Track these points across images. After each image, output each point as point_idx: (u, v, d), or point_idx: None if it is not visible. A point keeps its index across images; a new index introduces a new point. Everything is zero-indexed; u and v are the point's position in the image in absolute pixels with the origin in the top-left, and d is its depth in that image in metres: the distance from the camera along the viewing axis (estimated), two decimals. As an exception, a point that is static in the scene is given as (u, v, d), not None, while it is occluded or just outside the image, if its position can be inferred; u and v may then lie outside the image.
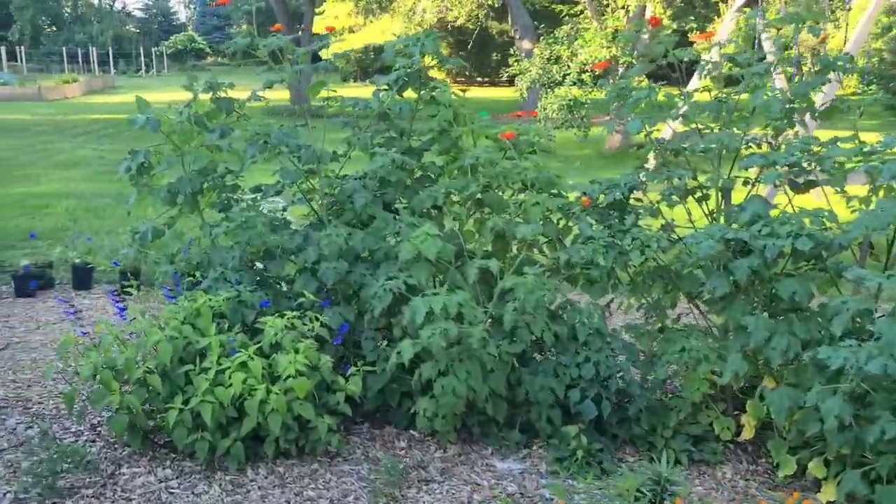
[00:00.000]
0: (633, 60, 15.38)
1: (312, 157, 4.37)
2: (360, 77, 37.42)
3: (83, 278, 6.74)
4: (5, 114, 21.98)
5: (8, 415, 4.24)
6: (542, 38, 15.77)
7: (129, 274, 6.51)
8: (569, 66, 14.97)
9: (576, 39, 15.17)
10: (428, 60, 4.76)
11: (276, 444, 3.75)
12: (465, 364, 3.80)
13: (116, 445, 3.92)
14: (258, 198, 4.66)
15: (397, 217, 4.26)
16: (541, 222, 4.15)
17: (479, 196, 4.42)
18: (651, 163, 4.81)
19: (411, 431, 4.23)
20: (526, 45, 17.58)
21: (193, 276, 4.35)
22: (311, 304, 4.04)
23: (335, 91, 4.68)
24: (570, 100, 15.10)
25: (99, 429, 4.10)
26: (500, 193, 4.42)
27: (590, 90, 14.99)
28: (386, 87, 4.68)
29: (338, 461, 3.90)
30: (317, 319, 3.91)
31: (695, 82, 6.14)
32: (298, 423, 3.74)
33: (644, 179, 4.31)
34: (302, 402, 3.68)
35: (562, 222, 4.40)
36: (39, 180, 12.07)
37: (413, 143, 4.71)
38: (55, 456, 3.49)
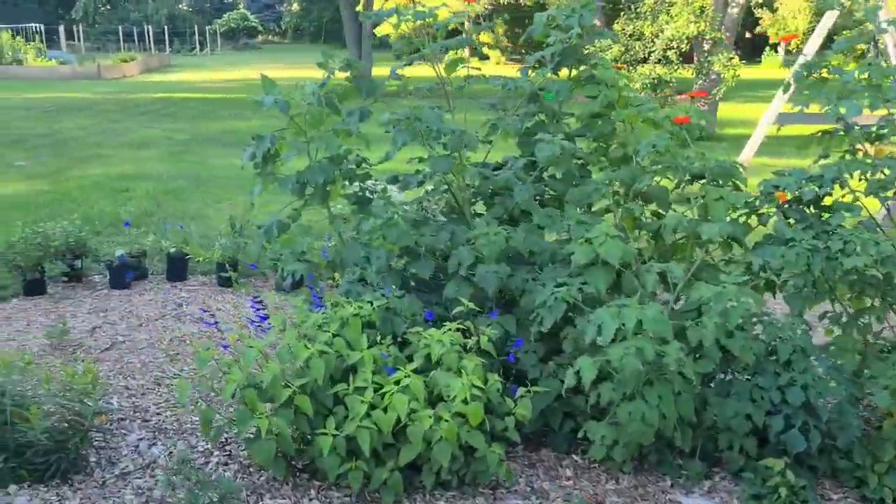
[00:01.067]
0: (722, 36, 14.60)
1: (459, 143, 3.87)
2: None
3: (178, 269, 6.35)
4: (68, 92, 21.89)
5: (128, 429, 3.84)
6: (622, 13, 15.03)
7: (226, 265, 6.15)
8: (653, 43, 14.21)
9: (659, 15, 14.40)
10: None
11: (436, 475, 3.28)
12: (655, 387, 3.28)
13: (251, 468, 3.50)
14: (390, 189, 4.19)
15: (561, 213, 3.74)
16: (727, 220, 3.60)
17: (644, 189, 3.90)
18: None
19: (573, 456, 3.74)
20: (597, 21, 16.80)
21: (333, 278, 3.90)
22: (469, 313, 3.55)
23: (479, 69, 4.18)
24: (653, 78, 14.35)
25: (229, 448, 3.68)
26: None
27: (675, 68, 14.22)
28: (536, 65, 4.16)
29: (501, 492, 3.42)
30: (469, 331, 3.43)
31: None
32: (464, 451, 3.27)
33: (844, 172, 3.72)
34: (470, 430, 3.20)
35: (743, 219, 3.85)
36: (113, 161, 11.79)
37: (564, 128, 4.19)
38: (197, 491, 3.06)
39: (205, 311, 4.23)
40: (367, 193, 4.11)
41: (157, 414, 4.03)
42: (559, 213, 3.82)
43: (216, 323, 3.78)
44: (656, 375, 3.30)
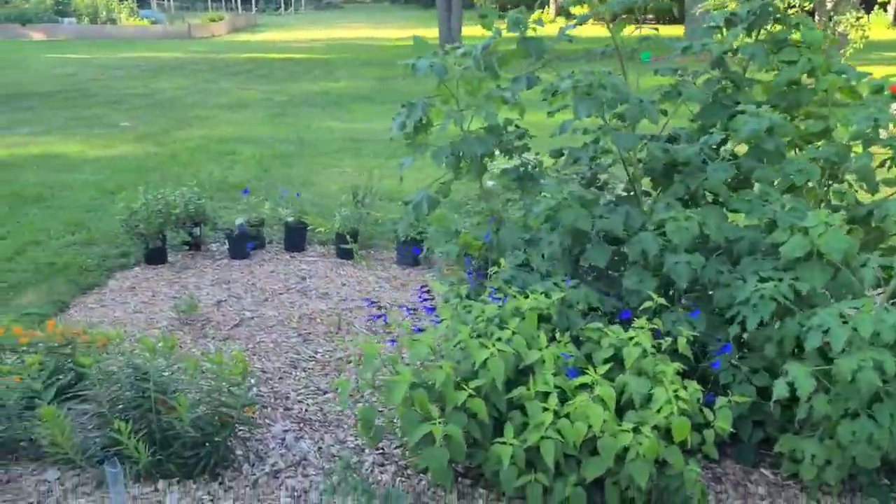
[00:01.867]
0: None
1: (639, 114, 3.43)
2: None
3: (296, 239, 6.10)
4: (161, 52, 22.03)
5: (271, 418, 3.59)
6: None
7: (347, 237, 5.87)
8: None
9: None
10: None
11: (620, 492, 2.92)
12: (887, 404, 2.82)
13: (408, 471, 3.19)
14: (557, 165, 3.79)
15: (764, 196, 3.27)
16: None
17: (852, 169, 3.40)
18: None
19: (761, 470, 3.32)
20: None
21: (488, 263, 3.53)
22: (657, 309, 3.14)
23: (656, 29, 3.71)
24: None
25: (381, 445, 3.38)
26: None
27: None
28: (722, 26, 3.67)
29: (691, 512, 3.03)
30: (658, 330, 3.02)
31: None
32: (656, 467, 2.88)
33: None
34: (668, 445, 2.81)
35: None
36: (212, 123, 11.67)
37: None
38: (362, 498, 2.77)
39: (370, 303, 3.93)
40: (530, 168, 3.71)
41: (299, 402, 3.76)
42: (755, 195, 3.35)
43: (383, 315, 3.45)
44: (884, 391, 2.84)
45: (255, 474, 3.16)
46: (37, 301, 4.91)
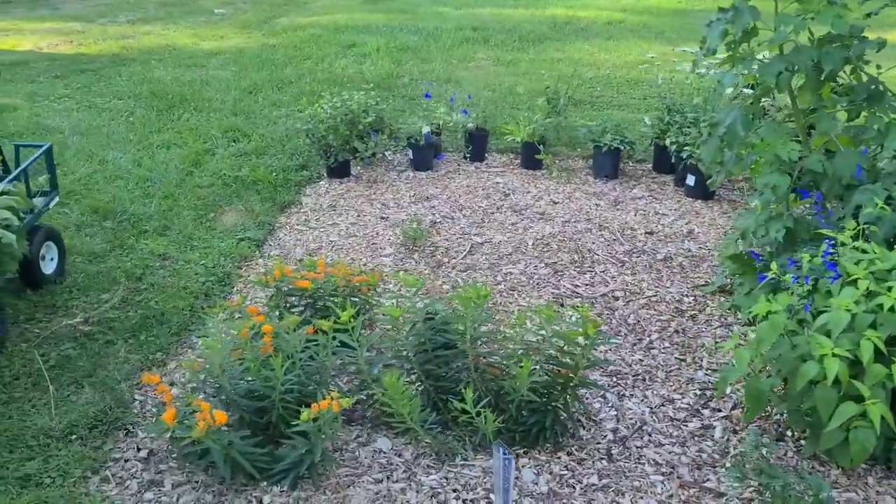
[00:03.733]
0: None
1: None
2: None
3: (479, 148, 5.62)
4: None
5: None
6: None
7: (535, 143, 5.38)
8: None
9: None
10: None
11: None
12: None
13: (797, 454, 2.80)
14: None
15: None
16: None
17: None
18: None
19: None
20: None
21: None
22: None
23: None
24: None
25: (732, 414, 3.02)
26: None
27: None
28: None
29: None
30: None
31: None
32: None
33: None
34: None
35: None
36: (310, 9, 10.98)
37: None
38: (774, 484, 2.39)
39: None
40: (880, 87, 3.16)
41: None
42: None
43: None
44: None
45: (599, 441, 2.82)
46: (241, 222, 4.53)
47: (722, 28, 3.17)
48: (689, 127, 5.06)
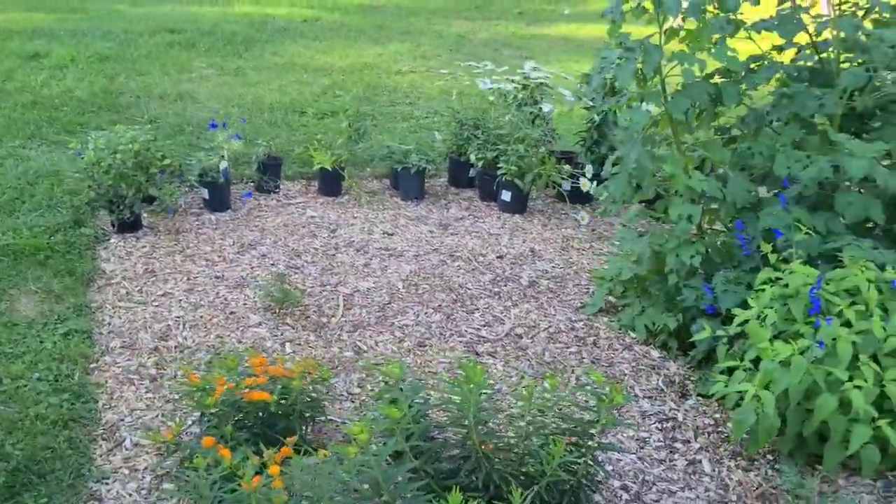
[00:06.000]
0: None
1: None
2: None
3: (273, 176, 5.09)
4: None
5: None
6: None
7: (339, 168, 5.06)
8: None
9: None
10: None
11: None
12: None
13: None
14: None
15: None
16: None
17: None
18: None
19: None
20: None
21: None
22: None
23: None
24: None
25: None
26: None
27: None
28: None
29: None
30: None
31: None
32: None
33: None
34: None
35: None
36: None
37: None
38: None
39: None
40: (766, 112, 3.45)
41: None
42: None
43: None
44: None
45: (619, 502, 2.75)
46: (47, 309, 3.58)
47: (633, 68, 3.23)
48: (495, 143, 5.11)
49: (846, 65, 3.51)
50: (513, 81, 5.25)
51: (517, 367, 3.46)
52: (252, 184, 5.10)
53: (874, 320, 2.70)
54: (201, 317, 3.66)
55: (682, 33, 3.38)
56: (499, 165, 4.98)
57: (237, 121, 5.62)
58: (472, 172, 5.38)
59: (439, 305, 3.91)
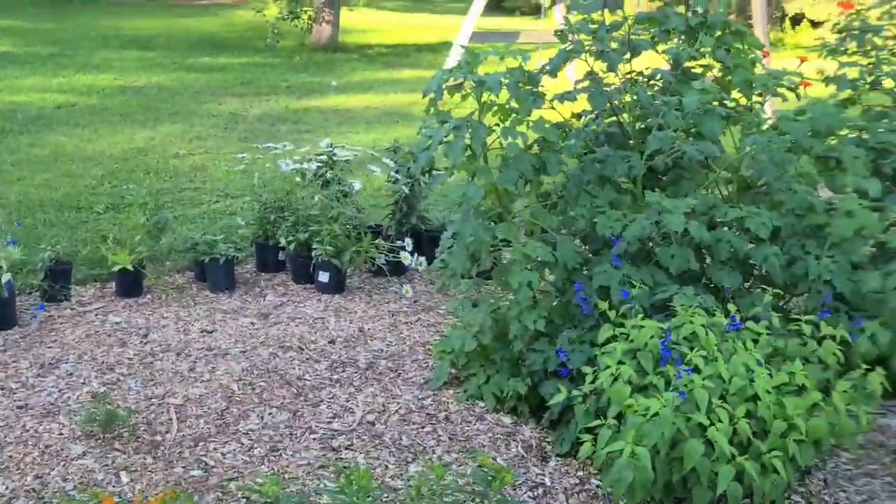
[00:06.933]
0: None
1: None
2: None
3: (64, 283, 4.58)
4: None
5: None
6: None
7: (140, 267, 4.70)
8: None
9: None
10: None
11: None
12: None
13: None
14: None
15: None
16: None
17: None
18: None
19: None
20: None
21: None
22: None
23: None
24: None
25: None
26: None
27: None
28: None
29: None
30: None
31: None
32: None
33: None
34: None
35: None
36: None
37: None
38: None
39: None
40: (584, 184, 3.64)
41: None
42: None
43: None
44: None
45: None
46: None
47: (462, 144, 3.30)
48: (306, 224, 4.99)
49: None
50: (317, 160, 5.18)
51: (379, 458, 3.33)
52: (40, 294, 4.56)
53: (719, 363, 2.91)
54: (10, 457, 3.17)
55: (495, 108, 3.53)
56: (314, 246, 4.86)
57: (10, 225, 5.03)
58: (281, 256, 5.21)
59: (282, 403, 3.69)
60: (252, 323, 4.50)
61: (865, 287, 3.46)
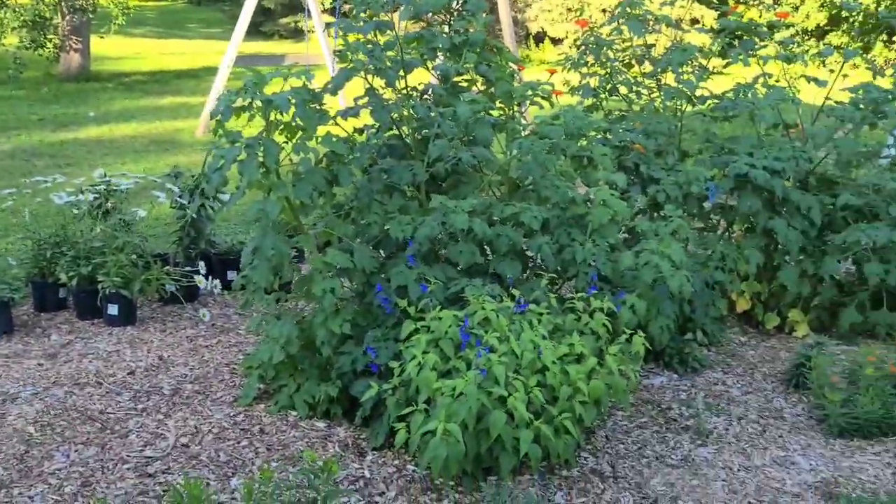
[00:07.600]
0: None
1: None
2: None
3: None
4: None
5: None
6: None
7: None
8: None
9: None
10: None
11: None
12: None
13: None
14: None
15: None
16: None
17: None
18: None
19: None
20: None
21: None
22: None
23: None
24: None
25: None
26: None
27: None
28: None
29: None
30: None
31: None
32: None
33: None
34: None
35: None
36: None
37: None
38: None
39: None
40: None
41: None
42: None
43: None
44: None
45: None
46: None
47: (256, 162, 3.42)
48: (89, 257, 4.81)
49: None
50: (92, 191, 5.01)
51: (199, 476, 3.35)
52: None
53: (511, 342, 3.26)
54: None
55: (282, 126, 3.68)
56: (99, 279, 4.70)
57: None
58: (62, 293, 4.98)
59: (87, 439, 3.57)
60: (40, 364, 4.28)
61: (622, 266, 3.99)
